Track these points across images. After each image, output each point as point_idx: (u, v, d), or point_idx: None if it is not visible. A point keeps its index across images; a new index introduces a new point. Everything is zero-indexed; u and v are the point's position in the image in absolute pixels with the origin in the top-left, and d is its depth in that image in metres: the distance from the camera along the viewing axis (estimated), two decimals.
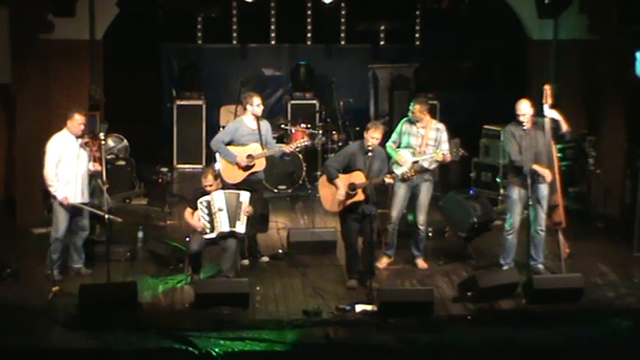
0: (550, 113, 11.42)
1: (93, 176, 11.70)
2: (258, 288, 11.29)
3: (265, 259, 12.37)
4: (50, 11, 13.71)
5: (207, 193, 11.30)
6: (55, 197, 11.35)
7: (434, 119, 12.39)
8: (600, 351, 10.06)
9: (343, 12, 18.25)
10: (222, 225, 11.20)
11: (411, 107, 12.03)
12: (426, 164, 11.87)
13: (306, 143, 12.49)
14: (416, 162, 11.81)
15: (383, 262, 12.06)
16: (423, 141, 11.90)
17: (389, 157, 11.80)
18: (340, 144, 15.34)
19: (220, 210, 11.21)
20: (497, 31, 16.99)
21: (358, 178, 11.22)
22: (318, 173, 14.78)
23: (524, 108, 11.44)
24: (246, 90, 13.58)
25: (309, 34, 18.41)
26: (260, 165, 12.01)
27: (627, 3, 13.44)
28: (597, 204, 14.13)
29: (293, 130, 15.51)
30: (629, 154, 14.16)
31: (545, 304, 10.73)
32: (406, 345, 9.98)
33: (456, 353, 9.97)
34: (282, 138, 15.34)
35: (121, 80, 16.71)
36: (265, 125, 12.17)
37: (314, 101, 17.17)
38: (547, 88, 11.39)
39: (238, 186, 11.71)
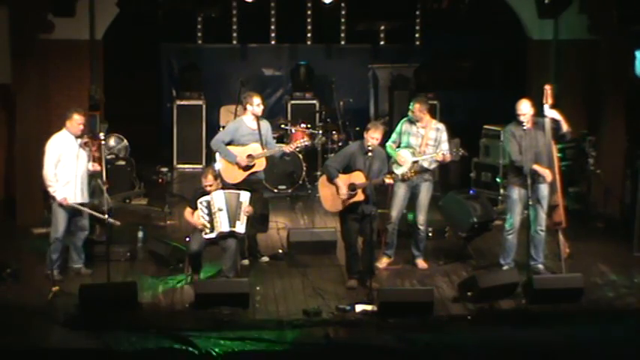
0: (550, 113, 11.41)
1: (93, 176, 11.69)
2: (258, 288, 11.29)
3: (265, 259, 12.37)
4: (50, 11, 13.69)
5: (207, 193, 11.29)
6: (54, 198, 11.35)
7: (434, 119, 12.37)
8: (600, 351, 10.06)
9: (343, 12, 18.23)
10: (222, 225, 11.19)
11: (410, 107, 12.02)
12: (425, 164, 11.86)
13: (306, 143, 12.49)
14: (416, 162, 11.80)
15: (383, 262, 12.05)
16: (422, 141, 11.89)
17: (389, 157, 11.80)
18: (340, 144, 15.32)
19: (220, 210, 11.20)
20: (497, 31, 16.98)
21: (358, 178, 11.21)
22: (318, 173, 14.77)
23: (525, 108, 11.43)
24: (246, 90, 13.58)
25: (309, 34, 18.40)
26: (260, 165, 12.00)
27: (627, 3, 13.42)
28: (597, 204, 14.12)
29: (293, 130, 15.50)
30: (629, 154, 14.15)
31: (545, 304, 10.73)
32: (406, 345, 9.98)
33: (456, 353, 9.97)
34: (282, 138, 15.32)
35: (121, 80, 16.70)
36: (265, 125, 12.16)
37: (314, 101, 17.15)
38: (547, 88, 11.38)
39: (238, 186, 11.70)
